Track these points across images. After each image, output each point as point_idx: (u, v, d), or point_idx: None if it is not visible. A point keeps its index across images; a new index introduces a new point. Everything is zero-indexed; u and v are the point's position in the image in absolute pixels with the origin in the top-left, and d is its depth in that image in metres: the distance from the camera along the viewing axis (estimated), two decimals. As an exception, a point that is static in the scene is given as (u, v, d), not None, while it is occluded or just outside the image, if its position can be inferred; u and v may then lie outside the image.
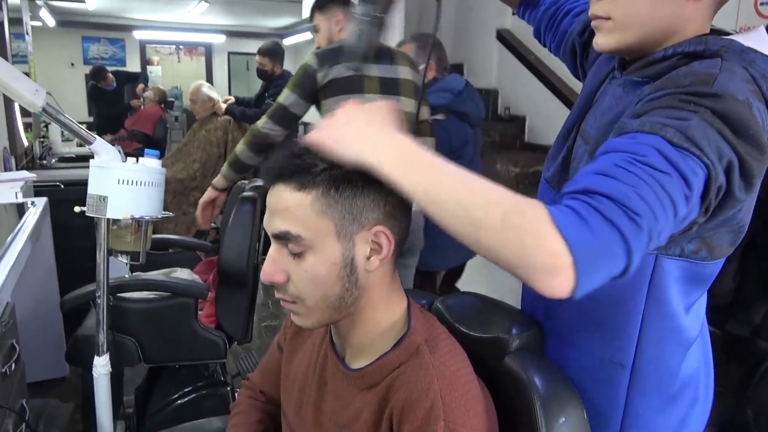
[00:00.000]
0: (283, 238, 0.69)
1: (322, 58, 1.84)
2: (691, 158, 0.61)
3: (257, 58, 4.05)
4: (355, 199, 0.69)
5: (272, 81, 4.00)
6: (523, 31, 4.29)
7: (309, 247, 0.69)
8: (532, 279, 0.56)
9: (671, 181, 0.59)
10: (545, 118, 4.05)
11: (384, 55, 1.91)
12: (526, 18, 1.15)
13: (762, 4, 2.64)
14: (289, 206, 0.68)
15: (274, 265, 0.71)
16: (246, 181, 2.20)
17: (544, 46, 1.14)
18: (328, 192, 0.68)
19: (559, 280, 0.55)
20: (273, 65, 4.00)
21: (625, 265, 0.58)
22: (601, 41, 0.77)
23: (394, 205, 0.71)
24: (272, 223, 0.70)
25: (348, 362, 0.78)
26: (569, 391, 0.72)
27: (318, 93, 1.86)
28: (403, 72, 1.96)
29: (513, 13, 4.38)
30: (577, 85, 3.79)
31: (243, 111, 3.96)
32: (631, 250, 0.56)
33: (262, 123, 1.93)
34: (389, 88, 1.91)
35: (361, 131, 0.66)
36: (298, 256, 0.70)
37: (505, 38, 4.37)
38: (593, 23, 0.78)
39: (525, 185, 3.90)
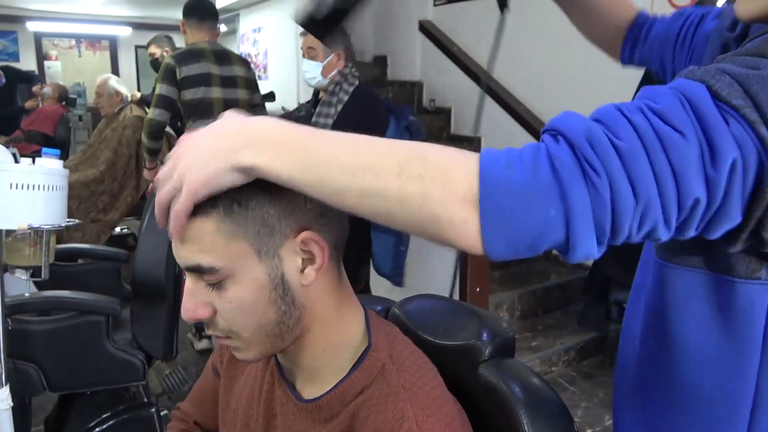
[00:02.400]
0: (196, 271, 0.57)
1: (178, 59, 2.52)
2: (741, 124, 0.42)
3: (149, 50, 3.94)
4: (265, 207, 0.56)
5: None
6: (446, 21, 4.30)
7: (227, 276, 0.56)
8: (443, 235, 0.44)
9: (683, 146, 0.42)
10: (471, 108, 4.08)
11: (224, 59, 2.62)
12: (637, 59, 0.89)
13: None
14: (194, 236, 0.55)
15: (193, 300, 0.58)
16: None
17: (663, 73, 0.88)
18: (230, 209, 0.55)
19: (466, 229, 0.43)
20: (162, 51, 3.93)
21: (564, 234, 0.43)
22: (745, 6, 0.58)
23: (319, 203, 0.55)
24: (180, 255, 0.57)
25: (300, 390, 0.66)
26: (556, 401, 0.65)
27: (178, 84, 2.51)
28: (238, 70, 2.66)
29: (435, 5, 4.38)
30: (501, 76, 3.86)
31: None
32: (571, 216, 0.42)
33: (152, 113, 2.52)
34: (228, 82, 2.61)
35: (209, 144, 0.51)
36: (216, 286, 0.57)
37: (427, 30, 4.37)
38: None
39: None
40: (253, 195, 0.55)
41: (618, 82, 3.05)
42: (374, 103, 2.24)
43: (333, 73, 2.17)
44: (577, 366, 2.81)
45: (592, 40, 0.94)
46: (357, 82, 2.20)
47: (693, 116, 0.43)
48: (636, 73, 2.58)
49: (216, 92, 2.57)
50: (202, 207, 0.54)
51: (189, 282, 0.59)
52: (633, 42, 0.87)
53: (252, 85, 2.73)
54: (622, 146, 0.42)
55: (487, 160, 0.44)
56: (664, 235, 0.44)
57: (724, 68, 0.45)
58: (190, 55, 2.53)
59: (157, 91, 2.51)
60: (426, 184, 0.43)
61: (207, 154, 0.50)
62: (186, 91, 2.51)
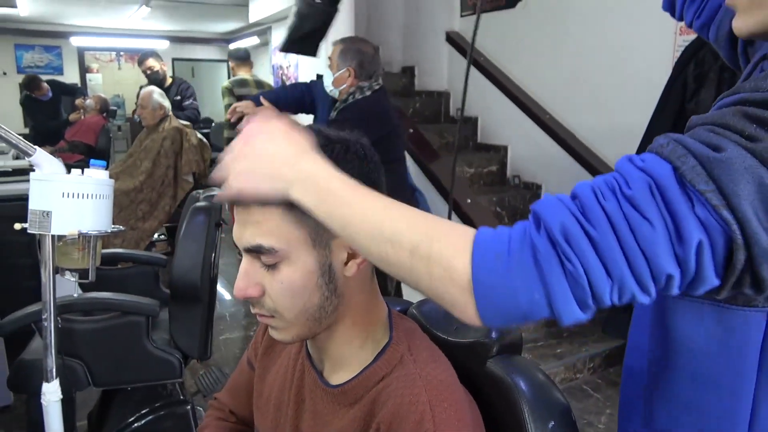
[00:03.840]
0: (256, 251, 0.65)
1: (234, 84, 3.94)
2: (704, 207, 0.46)
3: (146, 64, 4.43)
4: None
5: (181, 83, 4.44)
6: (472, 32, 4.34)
7: (283, 258, 0.65)
8: (450, 310, 0.53)
9: (650, 233, 0.46)
10: (497, 118, 4.11)
11: (260, 85, 4.07)
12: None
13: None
14: (260, 220, 0.64)
15: (247, 279, 0.67)
16: (201, 190, 2.12)
17: (680, 19, 0.89)
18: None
19: (467, 311, 0.51)
20: (161, 65, 4.37)
21: (549, 312, 0.49)
22: (739, 23, 0.60)
23: None
24: (243, 237, 0.66)
25: (327, 377, 0.74)
26: (556, 394, 0.70)
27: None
28: None
29: (461, 16, 4.44)
30: (526, 85, 3.88)
31: (186, 116, 4.25)
32: (553, 299, 0.48)
33: None
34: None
35: (268, 161, 0.60)
36: (272, 267, 0.66)
37: (454, 40, 4.42)
38: (728, 2, 0.61)
39: (480, 185, 3.95)
40: None
41: (641, 92, 3.06)
42: (372, 111, 2.27)
43: (344, 86, 2.25)
44: (603, 373, 2.81)
45: None
46: (369, 94, 2.27)
47: (660, 201, 0.47)
48: (659, 84, 2.59)
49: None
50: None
51: (245, 263, 0.67)
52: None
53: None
54: (594, 236, 0.47)
55: (479, 252, 0.50)
56: (645, 300, 0.49)
57: (689, 145, 0.48)
58: (241, 83, 4.06)
59: (226, 103, 3.81)
60: (432, 268, 0.51)
61: (264, 171, 0.60)
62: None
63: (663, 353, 0.71)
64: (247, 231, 0.65)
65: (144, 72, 4.31)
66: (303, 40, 0.78)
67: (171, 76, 4.46)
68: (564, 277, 0.47)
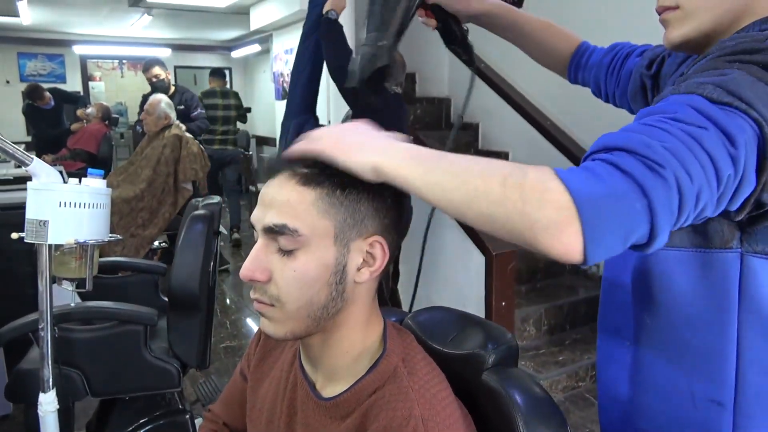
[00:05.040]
0: (277, 232, 0.64)
1: (204, 94, 4.51)
2: (736, 113, 0.54)
3: (152, 72, 4.37)
4: (359, 204, 0.65)
5: (183, 92, 4.45)
6: (473, 39, 4.34)
7: (303, 244, 0.64)
8: (540, 240, 0.49)
9: (708, 135, 0.52)
10: (498, 124, 4.11)
11: (225, 95, 5.40)
12: (580, 80, 1.09)
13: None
14: (291, 199, 0.64)
15: (257, 262, 0.65)
16: (200, 199, 2.12)
17: (606, 100, 1.08)
18: (333, 192, 0.64)
19: (566, 236, 0.48)
20: (166, 74, 4.36)
21: (650, 226, 0.49)
22: (672, 34, 0.73)
23: (392, 219, 0.68)
24: (266, 216, 0.65)
25: (320, 389, 0.73)
26: (552, 408, 0.69)
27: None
28: (232, 101, 5.45)
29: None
30: (528, 92, 3.88)
31: (188, 126, 4.15)
32: (653, 206, 0.48)
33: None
34: (226, 107, 5.35)
35: (361, 140, 0.63)
36: (288, 253, 0.64)
37: (455, 47, 4.41)
38: (661, 18, 0.74)
39: (481, 192, 3.94)
40: (355, 188, 0.65)
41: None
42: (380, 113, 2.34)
43: None
44: (605, 381, 2.79)
45: (545, 65, 1.13)
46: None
47: (704, 116, 0.53)
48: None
49: (219, 111, 5.20)
50: (312, 179, 0.64)
51: (258, 245, 0.66)
52: (575, 66, 1.07)
53: (240, 107, 5.58)
54: (670, 146, 0.50)
55: (566, 177, 0.50)
56: (711, 212, 0.54)
57: (699, 81, 0.56)
58: (208, 93, 5.25)
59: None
60: (526, 192, 0.50)
61: (355, 140, 0.62)
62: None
63: (650, 303, 0.75)
64: (272, 210, 0.65)
65: (149, 79, 4.30)
66: (369, 81, 0.82)
67: (174, 85, 4.46)
68: (660, 183, 0.49)
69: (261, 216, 0.66)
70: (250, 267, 0.65)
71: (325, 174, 0.64)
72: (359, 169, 0.59)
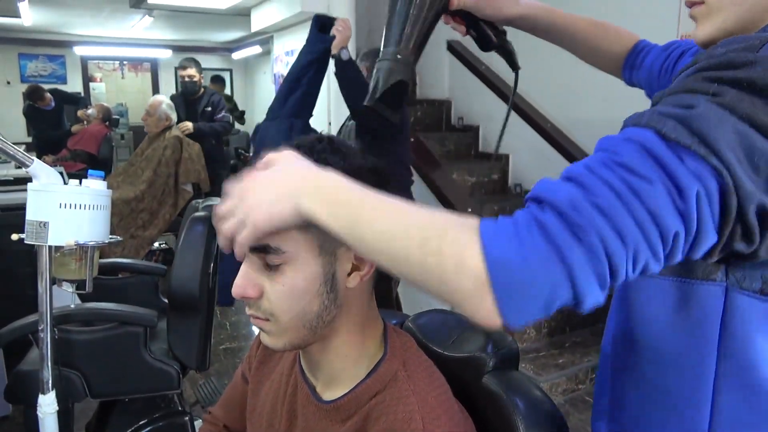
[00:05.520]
0: (262, 250, 0.64)
1: None
2: (694, 158, 0.47)
3: (187, 71, 4.21)
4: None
5: (212, 95, 4.32)
6: (473, 42, 4.35)
7: (289, 259, 0.64)
8: (462, 308, 0.48)
9: (652, 190, 0.46)
10: (498, 126, 4.10)
11: None
12: (636, 82, 1.01)
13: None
14: None
15: (246, 279, 0.66)
16: (200, 200, 2.12)
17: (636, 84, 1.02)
18: None
19: (483, 308, 0.47)
20: (200, 76, 4.27)
21: (572, 293, 0.46)
22: (699, 32, 0.67)
23: None
24: None
25: (320, 392, 0.73)
26: (552, 410, 0.69)
27: None
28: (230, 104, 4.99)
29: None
30: (528, 94, 3.88)
31: (210, 126, 4.16)
32: (573, 274, 0.45)
33: None
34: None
35: (274, 188, 0.58)
36: (275, 268, 0.64)
37: (455, 49, 4.42)
38: (690, 14, 0.69)
39: (481, 194, 3.94)
40: None
41: (642, 98, 3.05)
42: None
43: None
44: (605, 384, 2.79)
45: (597, 66, 1.04)
46: None
47: (653, 161, 0.47)
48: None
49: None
50: None
51: (246, 262, 0.66)
52: (630, 67, 0.98)
53: (236, 110, 5.03)
54: (601, 203, 0.46)
55: (488, 240, 0.47)
56: (656, 268, 0.49)
57: (663, 111, 0.50)
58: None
59: None
60: (444, 259, 0.48)
61: (271, 196, 0.57)
62: None
63: (627, 332, 0.70)
64: None
65: (182, 77, 4.23)
66: (387, 98, 0.77)
67: (204, 87, 4.39)
68: (581, 250, 0.45)
69: None
70: (240, 284, 0.65)
71: None
72: (286, 220, 0.56)
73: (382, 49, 0.80)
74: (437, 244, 0.48)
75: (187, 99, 4.25)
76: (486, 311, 0.47)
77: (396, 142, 2.34)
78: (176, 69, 4.34)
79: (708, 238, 0.48)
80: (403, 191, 2.43)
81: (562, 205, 0.46)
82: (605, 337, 0.77)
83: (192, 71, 4.19)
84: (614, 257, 0.45)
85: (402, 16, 0.80)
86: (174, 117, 3.81)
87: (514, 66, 0.97)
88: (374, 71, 0.80)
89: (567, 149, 3.50)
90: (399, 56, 0.78)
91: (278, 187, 0.57)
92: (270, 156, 0.61)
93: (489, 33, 0.93)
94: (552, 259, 0.45)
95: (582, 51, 1.00)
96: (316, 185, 0.56)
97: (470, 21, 0.91)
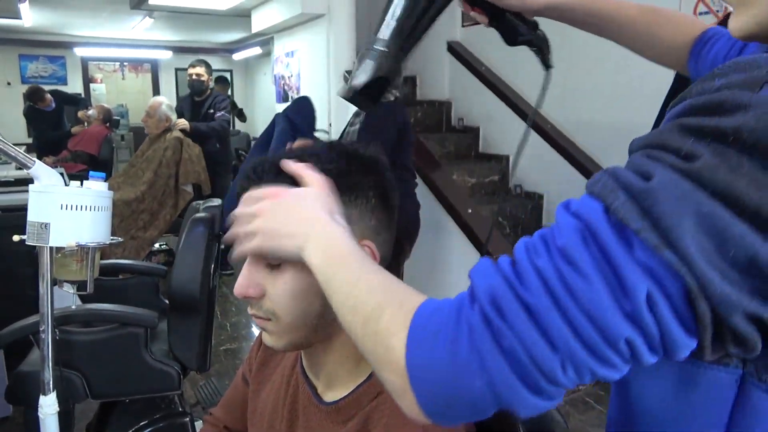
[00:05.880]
0: None
1: None
2: (644, 248, 0.37)
3: (196, 69, 4.16)
4: (343, 208, 0.64)
5: (212, 96, 4.23)
6: (474, 42, 4.36)
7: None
8: (393, 396, 0.45)
9: (588, 290, 0.37)
10: (498, 127, 4.11)
11: None
12: (701, 74, 0.80)
13: (701, 13, 2.75)
14: None
15: (248, 279, 0.66)
16: (201, 201, 2.13)
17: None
18: None
19: (406, 402, 0.43)
20: (209, 77, 4.22)
21: (497, 403, 0.40)
22: (733, 24, 0.53)
23: (380, 220, 0.68)
24: None
25: (321, 394, 0.73)
26: (554, 415, 0.69)
27: None
28: None
29: (463, 26, 4.46)
30: (528, 95, 3.88)
31: (207, 125, 4.08)
32: (495, 385, 0.39)
33: None
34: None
35: (289, 221, 0.58)
36: (276, 268, 0.65)
37: (456, 50, 4.43)
38: (726, 2, 0.53)
39: (481, 195, 3.94)
40: (337, 195, 0.63)
41: (643, 101, 3.06)
42: (383, 120, 2.31)
43: None
44: (605, 385, 2.79)
45: (655, 60, 0.87)
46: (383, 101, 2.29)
47: (595, 249, 0.38)
48: (661, 93, 2.59)
49: None
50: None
51: (249, 262, 0.66)
52: (695, 59, 0.81)
53: (235, 107, 4.87)
54: (529, 301, 0.39)
55: (415, 331, 0.43)
56: (612, 375, 0.40)
57: (620, 178, 0.39)
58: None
59: None
60: (377, 345, 0.45)
61: (283, 229, 0.58)
62: None
63: (625, 419, 0.60)
64: None
65: (189, 76, 4.20)
66: (370, 89, 0.69)
67: (211, 89, 4.34)
68: (502, 357, 0.39)
69: None
70: (242, 284, 0.66)
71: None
72: (287, 255, 0.58)
73: (373, 35, 0.72)
74: (374, 327, 0.46)
75: (194, 100, 4.23)
76: (408, 408, 0.44)
77: (400, 147, 2.33)
78: (188, 68, 4.27)
79: (680, 344, 0.38)
80: (408, 197, 2.43)
81: (485, 303, 0.41)
82: (608, 417, 0.68)
83: (200, 70, 4.17)
84: (542, 364, 0.39)
85: (400, 5, 0.71)
86: (174, 118, 3.81)
87: (547, 64, 0.85)
88: (357, 57, 0.73)
89: (567, 150, 3.51)
90: (386, 49, 0.70)
91: (291, 225, 0.58)
92: (301, 173, 0.62)
93: (516, 24, 0.81)
94: (473, 366, 0.40)
95: (634, 43, 0.85)
96: (323, 235, 0.55)
97: (493, 10, 0.80)
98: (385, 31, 0.70)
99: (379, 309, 0.46)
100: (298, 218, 0.58)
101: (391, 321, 0.45)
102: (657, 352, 0.39)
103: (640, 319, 0.37)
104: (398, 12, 0.70)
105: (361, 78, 0.70)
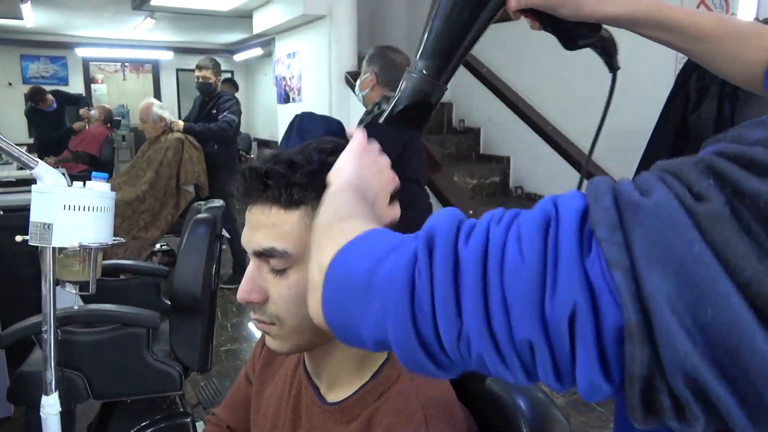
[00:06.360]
0: (267, 254, 0.64)
1: None
2: (599, 261, 0.32)
3: (201, 72, 4.08)
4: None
5: (219, 96, 4.13)
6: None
7: (294, 262, 0.64)
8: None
9: (517, 270, 0.34)
10: (499, 129, 4.11)
11: None
12: None
13: None
14: (275, 222, 0.64)
15: (251, 283, 0.66)
16: (202, 202, 2.13)
17: None
18: (318, 206, 0.64)
19: (314, 299, 0.45)
20: (216, 78, 4.14)
21: (381, 335, 0.39)
22: None
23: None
24: (254, 240, 0.65)
25: (324, 394, 0.73)
26: (556, 413, 0.70)
27: None
28: None
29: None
30: (529, 97, 3.89)
31: (203, 125, 3.97)
32: (388, 316, 0.38)
33: None
34: None
35: (352, 165, 0.61)
36: (280, 273, 0.65)
37: (457, 52, 4.42)
38: None
39: (482, 196, 3.95)
40: None
41: (643, 104, 3.06)
42: (387, 132, 2.27)
43: (367, 91, 2.25)
44: (606, 387, 2.78)
45: (734, 80, 0.78)
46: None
47: (551, 240, 0.34)
48: (661, 96, 2.59)
49: None
50: (293, 201, 0.64)
51: (251, 267, 0.66)
52: None
53: None
54: (463, 255, 0.36)
55: (354, 240, 0.43)
56: (506, 376, 0.36)
57: (617, 185, 0.35)
58: None
59: None
60: (323, 237, 0.47)
61: (340, 168, 0.61)
62: None
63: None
64: (259, 233, 0.65)
65: (196, 78, 4.14)
66: (409, 112, 0.66)
67: (218, 91, 4.24)
68: (409, 295, 0.37)
69: (249, 239, 0.66)
70: (245, 289, 0.66)
71: (304, 190, 0.64)
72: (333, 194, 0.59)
73: (416, 56, 0.69)
74: (338, 224, 0.47)
75: (203, 100, 4.17)
76: (313, 306, 0.46)
77: (406, 158, 2.25)
78: (195, 69, 4.22)
79: (590, 379, 0.32)
80: (412, 208, 2.37)
81: (422, 239, 0.39)
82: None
83: (205, 72, 4.10)
84: (441, 322, 0.36)
85: (439, 21, 0.67)
86: (167, 115, 3.80)
87: (612, 66, 0.81)
88: (400, 83, 0.71)
89: (568, 151, 3.51)
90: (425, 72, 0.68)
91: (342, 173, 0.60)
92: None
93: (576, 27, 0.74)
94: (380, 287, 0.39)
95: (709, 59, 0.75)
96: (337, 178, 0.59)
97: (546, 15, 0.73)
98: (425, 54, 0.68)
99: (353, 216, 0.48)
100: (357, 172, 0.60)
101: (350, 226, 0.46)
102: (561, 379, 0.33)
103: (555, 327, 0.32)
104: (437, 35, 0.68)
105: (401, 103, 0.69)
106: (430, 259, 0.37)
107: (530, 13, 0.73)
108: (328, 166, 0.63)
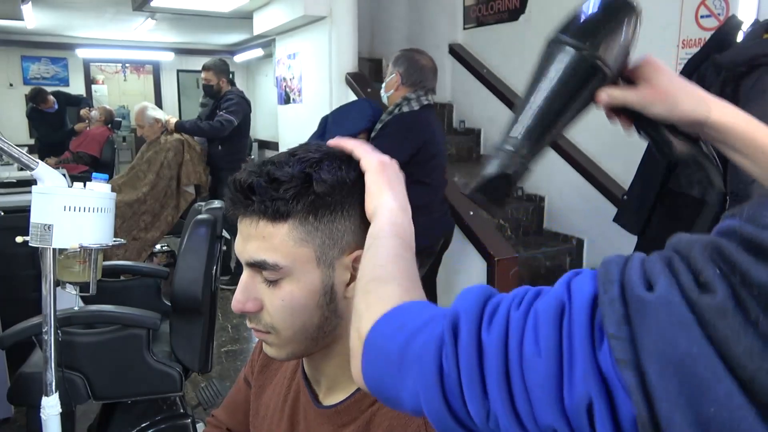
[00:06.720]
0: (259, 266, 0.64)
1: None
2: (610, 356, 0.33)
3: (203, 74, 4.08)
4: (335, 223, 0.64)
5: (224, 96, 4.07)
6: (475, 45, 4.37)
7: (286, 274, 0.64)
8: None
9: (534, 361, 0.36)
10: (500, 129, 4.10)
11: None
12: None
13: (702, 17, 2.76)
14: (265, 235, 0.63)
15: (246, 293, 0.66)
16: (203, 203, 2.13)
17: None
18: (306, 219, 0.63)
19: (355, 364, 0.49)
20: (218, 80, 4.10)
21: (417, 407, 0.42)
22: None
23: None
24: (246, 251, 0.65)
25: (322, 397, 0.73)
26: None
27: None
28: None
29: (464, 28, 4.47)
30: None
31: (195, 123, 3.94)
32: (423, 389, 0.41)
33: None
34: None
35: (384, 186, 0.64)
36: (273, 283, 0.64)
37: (457, 53, 4.43)
38: None
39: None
40: (328, 210, 0.64)
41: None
42: (412, 127, 2.24)
43: (392, 92, 2.27)
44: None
45: None
46: (417, 107, 2.25)
47: (565, 331, 0.36)
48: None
49: None
50: (280, 214, 0.63)
51: (245, 277, 0.66)
52: None
53: None
54: (485, 341, 0.39)
55: (389, 314, 0.46)
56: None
57: (626, 273, 0.35)
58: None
59: None
60: (362, 303, 0.50)
61: (385, 182, 0.64)
62: None
63: None
64: (250, 245, 0.64)
65: (202, 79, 4.17)
66: (492, 186, 0.64)
67: (225, 93, 4.17)
68: (438, 375, 0.40)
69: (241, 249, 0.66)
70: (240, 299, 0.66)
71: (293, 203, 0.63)
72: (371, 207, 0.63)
73: (509, 130, 0.66)
74: (374, 287, 0.50)
75: (213, 102, 4.15)
76: (354, 370, 0.48)
77: (418, 161, 2.22)
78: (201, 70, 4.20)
79: None
80: (419, 209, 2.29)
81: (448, 322, 0.41)
82: None
83: (207, 74, 4.10)
84: (470, 403, 0.39)
85: (545, 108, 0.64)
86: (161, 116, 3.80)
87: (716, 186, 0.70)
88: (492, 158, 0.68)
89: (568, 152, 3.51)
90: (513, 149, 0.65)
91: (385, 189, 0.64)
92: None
93: (670, 135, 0.66)
94: (413, 366, 0.42)
95: None
96: (382, 211, 0.61)
97: (642, 118, 0.67)
98: (515, 132, 0.65)
99: (389, 279, 0.51)
100: (389, 185, 0.64)
101: (386, 293, 0.49)
102: None
103: (575, 417, 0.34)
104: (532, 115, 0.65)
105: (484, 175, 0.66)
106: (455, 343, 0.40)
107: (623, 113, 0.68)
108: (311, 177, 0.63)
